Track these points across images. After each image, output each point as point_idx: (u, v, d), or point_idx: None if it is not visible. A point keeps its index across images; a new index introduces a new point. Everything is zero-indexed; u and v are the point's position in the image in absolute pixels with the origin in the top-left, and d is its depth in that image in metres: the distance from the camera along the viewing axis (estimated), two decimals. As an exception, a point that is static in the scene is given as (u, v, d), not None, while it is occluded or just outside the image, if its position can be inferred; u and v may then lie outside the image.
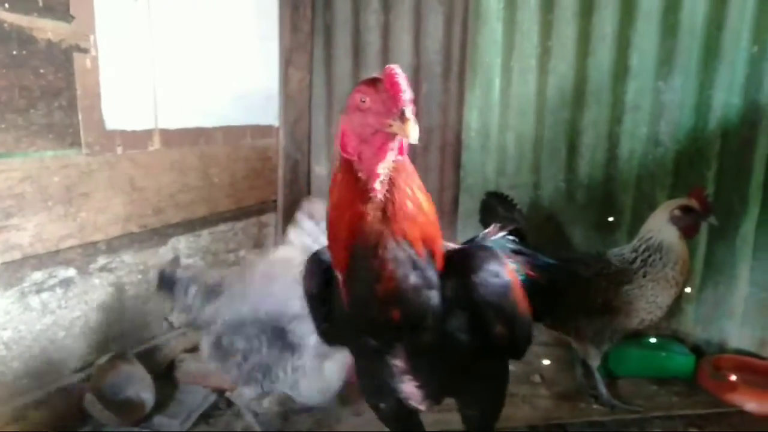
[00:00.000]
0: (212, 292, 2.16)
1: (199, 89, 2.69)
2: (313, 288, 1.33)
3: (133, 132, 2.37)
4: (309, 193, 3.47)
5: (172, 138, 2.55)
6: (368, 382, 1.45)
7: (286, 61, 3.14)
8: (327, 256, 1.26)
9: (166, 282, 2.23)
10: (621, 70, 2.76)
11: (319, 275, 1.31)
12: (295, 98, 3.23)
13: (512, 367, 2.89)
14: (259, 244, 3.22)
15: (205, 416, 2.35)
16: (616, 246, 2.61)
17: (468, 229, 3.19)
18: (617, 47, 2.75)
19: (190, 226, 2.74)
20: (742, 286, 2.70)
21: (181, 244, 2.71)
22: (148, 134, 2.44)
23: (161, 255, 2.60)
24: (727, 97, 2.62)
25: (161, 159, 2.50)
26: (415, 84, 3.19)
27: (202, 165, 2.73)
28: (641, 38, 2.70)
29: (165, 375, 2.56)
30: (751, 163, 2.62)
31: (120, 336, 2.46)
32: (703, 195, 2.33)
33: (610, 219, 2.90)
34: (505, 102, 3.01)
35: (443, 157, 3.24)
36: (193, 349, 2.71)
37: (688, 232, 2.34)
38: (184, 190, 2.65)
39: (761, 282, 2.68)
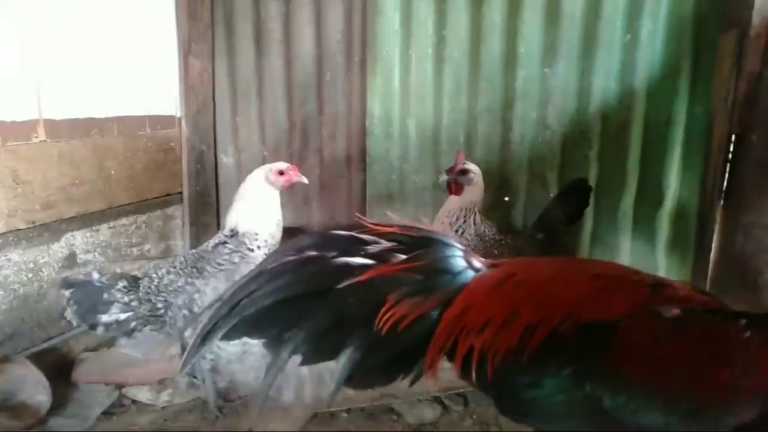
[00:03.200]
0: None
1: (89, 78, 2.59)
2: None
3: (13, 123, 2.26)
4: (217, 184, 3.43)
5: (60, 129, 2.44)
6: None
7: (185, 51, 3.08)
8: None
9: (78, 287, 2.14)
10: (511, 58, 2.92)
11: None
12: (196, 88, 3.17)
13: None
14: (165, 238, 3.15)
15: (108, 414, 2.30)
16: (513, 224, 2.77)
17: (376, 216, 3.27)
18: (506, 36, 2.91)
19: (86, 220, 2.64)
20: (623, 256, 2.94)
21: (77, 239, 2.61)
22: (31, 125, 2.33)
23: (54, 252, 2.50)
24: (605, 83, 2.84)
25: (47, 151, 2.39)
26: (319, 73, 3.22)
27: (96, 157, 2.64)
28: (527, 27, 2.87)
29: (63, 376, 2.47)
30: (627, 144, 2.86)
31: (10, 338, 2.35)
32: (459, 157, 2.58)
33: (506, 199, 3.07)
34: (406, 90, 3.10)
35: (349, 145, 3.30)
36: (94, 348, 2.64)
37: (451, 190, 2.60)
38: (77, 184, 2.55)
39: (640, 252, 2.94)
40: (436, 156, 3.15)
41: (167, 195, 3.14)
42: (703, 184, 2.68)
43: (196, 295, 2.17)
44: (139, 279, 2.25)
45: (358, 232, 1.18)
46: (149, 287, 2.21)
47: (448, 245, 1.22)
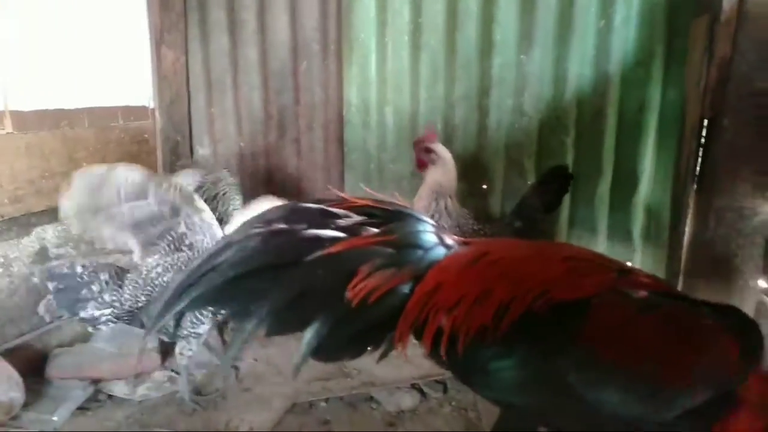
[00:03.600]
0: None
1: (58, 69, 2.54)
2: None
3: (-23, 114, 2.21)
4: (193, 176, 3.39)
5: (27, 120, 2.40)
6: None
7: (158, 41, 3.03)
8: None
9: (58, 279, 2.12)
10: (487, 45, 2.91)
11: None
12: (170, 78, 3.12)
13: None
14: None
15: (83, 409, 2.27)
16: (491, 213, 2.78)
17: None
18: (482, 22, 2.90)
19: (57, 214, 2.59)
20: (600, 240, 2.97)
21: (48, 233, 2.56)
22: (-4, 116, 2.28)
23: (25, 246, 2.45)
24: (580, 69, 2.84)
25: (15, 143, 2.34)
26: (294, 62, 3.19)
27: (67, 149, 2.59)
28: (503, 14, 2.86)
29: (37, 372, 2.43)
30: (603, 130, 2.87)
31: (-19, 334, 2.30)
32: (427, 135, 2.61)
33: (484, 187, 3.07)
34: (382, 78, 3.08)
35: (327, 134, 3.27)
36: (68, 344, 2.60)
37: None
38: (47, 176, 2.51)
39: (617, 237, 2.96)
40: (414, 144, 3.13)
41: (142, 187, 3.10)
42: (677, 169, 2.70)
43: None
44: (125, 272, 2.23)
45: (328, 205, 1.16)
46: (136, 281, 2.18)
47: (420, 220, 1.22)
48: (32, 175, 2.43)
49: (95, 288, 2.14)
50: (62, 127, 2.57)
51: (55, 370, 2.42)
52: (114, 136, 2.86)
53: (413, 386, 2.37)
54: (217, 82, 3.26)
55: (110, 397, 2.36)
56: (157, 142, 3.13)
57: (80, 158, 2.68)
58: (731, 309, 1.14)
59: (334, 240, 1.10)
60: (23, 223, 2.43)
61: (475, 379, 1.21)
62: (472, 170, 3.08)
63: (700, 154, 2.42)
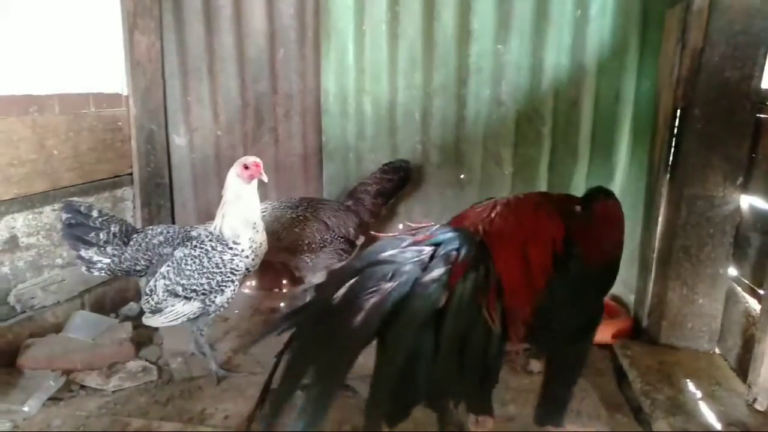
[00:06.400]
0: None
1: (26, 53, 2.48)
2: None
3: (-58, 99, 2.15)
4: (170, 164, 3.34)
5: (-6, 106, 2.34)
6: None
7: (131, 26, 2.97)
8: None
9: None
10: (464, 34, 2.91)
11: None
12: (144, 65, 3.07)
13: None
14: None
15: (56, 399, 2.24)
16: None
17: (333, 194, 3.25)
18: (459, 12, 2.89)
19: (27, 202, 2.55)
20: (576, 230, 2.99)
21: (18, 222, 2.52)
22: (-39, 102, 2.22)
23: (-6, 235, 2.41)
24: (556, 59, 2.86)
25: (-19, 129, 2.29)
26: (272, 50, 3.15)
27: (36, 136, 2.54)
28: (480, 3, 2.85)
29: (8, 362, 2.40)
30: (579, 120, 2.89)
31: (-51, 325, 2.26)
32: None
33: (462, 176, 3.08)
34: (360, 67, 3.07)
35: (304, 123, 3.25)
36: (40, 334, 2.56)
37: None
38: (16, 164, 2.45)
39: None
40: (392, 134, 3.13)
41: (116, 176, 3.05)
42: (651, 159, 2.74)
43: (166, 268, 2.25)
44: (136, 231, 2.35)
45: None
46: (139, 244, 2.30)
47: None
48: (0, 163, 2.38)
49: (102, 236, 2.25)
50: (31, 113, 2.51)
51: (26, 360, 2.38)
52: (86, 123, 2.81)
53: (389, 374, 2.38)
54: (193, 69, 3.22)
55: (83, 387, 2.33)
56: (131, 131, 3.08)
57: (51, 146, 2.62)
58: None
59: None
60: (-8, 212, 2.39)
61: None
62: (450, 160, 3.08)
63: (673, 143, 2.45)
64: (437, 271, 1.34)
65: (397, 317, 1.26)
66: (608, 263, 1.58)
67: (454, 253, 1.39)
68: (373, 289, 1.27)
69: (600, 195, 1.64)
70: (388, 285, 1.28)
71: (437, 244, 1.40)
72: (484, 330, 1.38)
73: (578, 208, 1.61)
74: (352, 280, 1.31)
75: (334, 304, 1.29)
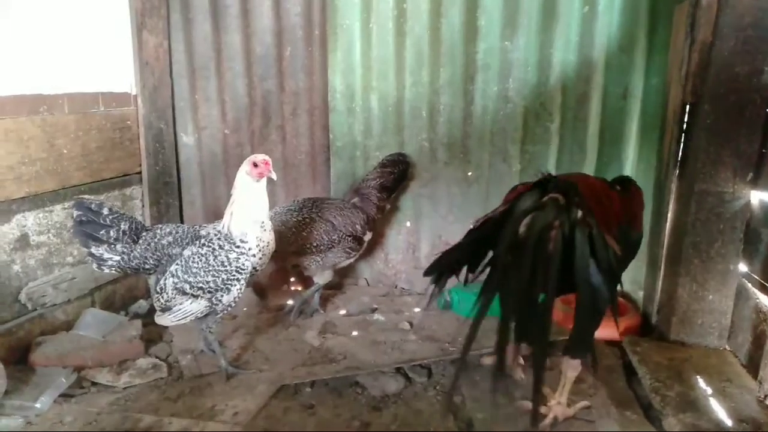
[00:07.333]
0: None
1: (36, 53, 2.50)
2: None
3: (-47, 99, 2.17)
4: (177, 163, 3.36)
5: (5, 105, 2.35)
6: None
7: (139, 26, 2.98)
8: None
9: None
10: (471, 31, 2.91)
11: None
12: (152, 64, 3.08)
13: (382, 317, 3.03)
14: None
15: (67, 396, 2.26)
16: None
17: (341, 192, 3.25)
18: (467, 9, 2.88)
19: (38, 201, 2.57)
20: (584, 227, 2.98)
21: (29, 220, 2.54)
22: (-28, 101, 2.24)
23: (5, 233, 2.43)
24: (564, 55, 2.84)
25: (-8, 128, 2.31)
26: (279, 48, 3.16)
27: (46, 135, 2.56)
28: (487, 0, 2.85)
29: (20, 359, 2.42)
30: (587, 116, 2.88)
31: (-39, 322, 2.28)
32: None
33: (470, 174, 3.07)
34: (367, 64, 3.07)
35: (312, 121, 3.26)
36: (51, 331, 2.58)
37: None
38: (26, 163, 2.47)
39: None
40: (399, 131, 3.13)
41: (125, 175, 3.07)
42: (660, 155, 2.72)
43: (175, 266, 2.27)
44: (146, 229, 2.36)
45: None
46: (149, 242, 2.31)
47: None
48: (11, 161, 2.40)
49: (112, 234, 2.26)
50: (41, 113, 2.53)
51: (38, 357, 2.40)
52: (95, 122, 2.82)
53: (398, 371, 2.39)
54: (201, 68, 3.23)
55: (94, 384, 2.35)
56: (139, 130, 3.10)
57: (60, 145, 2.64)
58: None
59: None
60: (3, 210, 2.40)
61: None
62: (458, 158, 3.08)
63: (682, 139, 2.43)
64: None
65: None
66: (640, 235, 2.07)
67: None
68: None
69: (630, 181, 2.09)
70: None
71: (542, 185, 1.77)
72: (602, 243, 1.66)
73: (618, 188, 2.02)
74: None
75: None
